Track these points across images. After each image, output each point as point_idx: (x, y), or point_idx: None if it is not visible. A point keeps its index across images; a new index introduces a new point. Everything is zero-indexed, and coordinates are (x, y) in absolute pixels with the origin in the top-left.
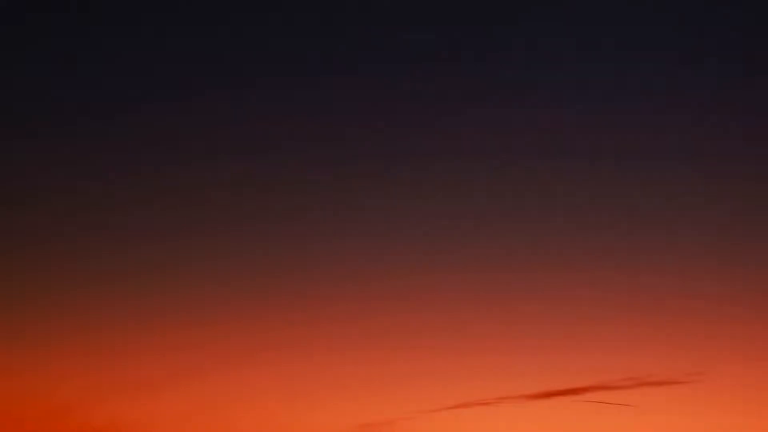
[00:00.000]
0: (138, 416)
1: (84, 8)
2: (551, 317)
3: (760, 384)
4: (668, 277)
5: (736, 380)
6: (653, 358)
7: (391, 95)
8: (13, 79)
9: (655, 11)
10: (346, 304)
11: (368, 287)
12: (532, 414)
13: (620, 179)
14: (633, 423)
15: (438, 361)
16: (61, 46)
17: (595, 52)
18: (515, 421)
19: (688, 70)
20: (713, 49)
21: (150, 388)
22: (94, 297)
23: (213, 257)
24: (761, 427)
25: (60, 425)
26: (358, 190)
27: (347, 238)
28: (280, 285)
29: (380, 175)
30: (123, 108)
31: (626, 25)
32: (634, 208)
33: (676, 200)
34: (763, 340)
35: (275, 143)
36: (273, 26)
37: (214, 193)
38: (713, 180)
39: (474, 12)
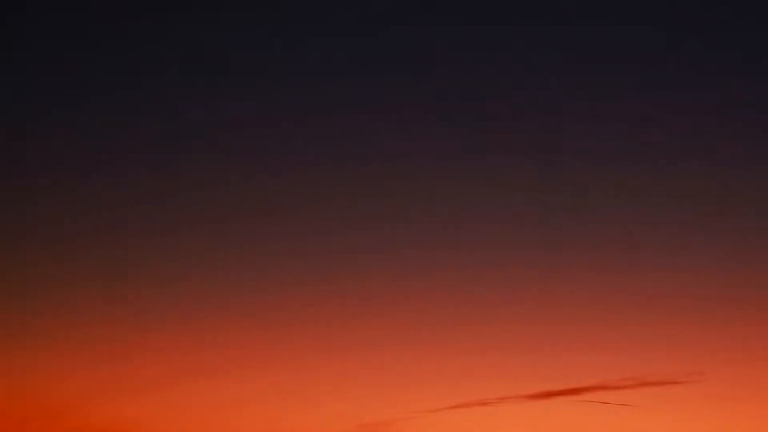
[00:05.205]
0: (138, 416)
1: (84, 8)
2: (551, 317)
3: (759, 384)
4: (668, 277)
5: (736, 380)
6: (653, 358)
7: (391, 95)
8: (13, 79)
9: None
10: (346, 304)
11: (368, 288)
12: (532, 414)
13: (620, 179)
14: (633, 423)
15: (438, 361)
16: (61, 46)
17: (594, 51)
18: (515, 421)
19: (687, 69)
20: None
21: (150, 388)
22: (94, 296)
23: (213, 257)
24: (761, 427)
25: (60, 425)
26: (357, 191)
27: (347, 239)
28: (280, 285)
29: (378, 175)
30: (122, 108)
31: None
32: (633, 208)
33: (675, 200)
34: (763, 340)
35: (275, 143)
36: (273, 26)
37: (214, 194)
38: (712, 179)
39: (474, 12)
